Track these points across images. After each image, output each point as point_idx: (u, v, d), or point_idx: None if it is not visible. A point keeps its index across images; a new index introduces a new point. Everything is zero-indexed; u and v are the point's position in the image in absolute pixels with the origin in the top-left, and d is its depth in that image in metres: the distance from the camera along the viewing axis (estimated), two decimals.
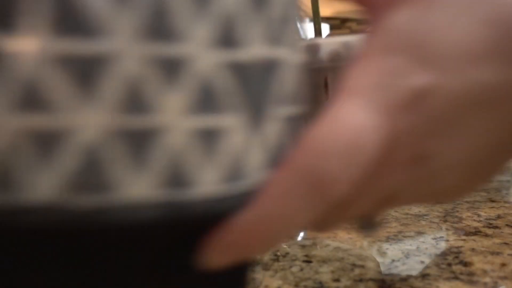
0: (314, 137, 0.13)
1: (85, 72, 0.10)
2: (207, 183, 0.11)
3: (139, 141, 0.10)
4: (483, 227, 0.34)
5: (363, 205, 0.16)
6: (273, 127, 0.13)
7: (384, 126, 0.14)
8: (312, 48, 0.22)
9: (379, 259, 0.28)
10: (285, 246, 0.30)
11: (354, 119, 0.13)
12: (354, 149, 0.13)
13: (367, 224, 0.20)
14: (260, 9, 0.12)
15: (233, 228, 0.12)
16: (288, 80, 0.13)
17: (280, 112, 0.13)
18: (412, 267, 0.27)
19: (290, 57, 0.13)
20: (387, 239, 0.31)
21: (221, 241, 0.13)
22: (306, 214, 0.13)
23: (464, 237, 0.32)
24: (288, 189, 0.13)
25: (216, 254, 0.13)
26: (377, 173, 0.15)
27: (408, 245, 0.30)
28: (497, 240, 0.31)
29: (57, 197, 0.10)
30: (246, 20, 0.12)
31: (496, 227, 0.34)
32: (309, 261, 0.28)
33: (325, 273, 0.26)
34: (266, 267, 0.27)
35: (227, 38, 0.11)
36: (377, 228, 0.20)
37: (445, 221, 0.36)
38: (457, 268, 0.27)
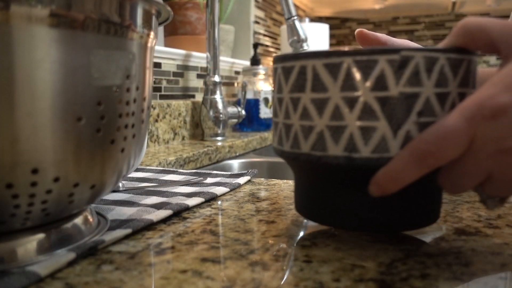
0: (426, 131, 0.25)
1: None
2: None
3: None
4: (483, 227, 0.34)
5: (470, 179, 0.26)
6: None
7: (465, 129, 0.24)
8: None
9: (379, 259, 0.28)
10: (284, 246, 0.30)
11: (448, 123, 0.25)
12: (444, 140, 0.25)
13: (489, 200, 0.28)
14: None
15: (379, 175, 0.27)
16: None
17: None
18: (412, 267, 0.27)
19: None
20: (387, 239, 0.31)
21: (375, 179, 0.27)
22: (414, 172, 0.26)
23: (464, 237, 0.32)
24: (406, 156, 0.26)
25: (373, 187, 0.27)
26: (467, 157, 0.25)
27: (408, 245, 0.30)
28: (497, 240, 0.31)
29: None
30: None
31: (496, 227, 0.34)
32: (309, 261, 0.28)
33: (325, 273, 0.26)
34: (266, 267, 0.27)
35: None
36: (495, 205, 0.28)
37: (445, 221, 0.36)
38: (457, 268, 0.27)
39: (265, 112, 1.28)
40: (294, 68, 0.29)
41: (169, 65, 1.07)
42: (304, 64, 0.28)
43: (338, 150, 0.27)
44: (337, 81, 0.27)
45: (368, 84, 0.26)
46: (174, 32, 1.20)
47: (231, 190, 0.48)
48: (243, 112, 1.13)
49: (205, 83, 1.07)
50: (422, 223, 0.30)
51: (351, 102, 0.27)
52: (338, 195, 0.29)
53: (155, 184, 0.50)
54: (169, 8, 0.33)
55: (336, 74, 0.27)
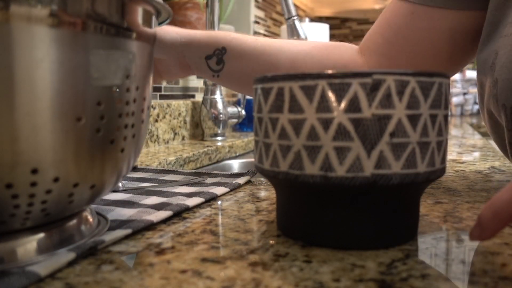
0: None
1: None
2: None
3: None
4: None
5: None
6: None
7: None
8: None
9: (379, 259, 0.28)
10: (284, 246, 0.30)
11: None
12: None
13: None
14: None
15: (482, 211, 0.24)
16: None
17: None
18: (412, 267, 0.27)
19: None
20: None
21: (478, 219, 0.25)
22: None
23: (464, 237, 0.32)
24: None
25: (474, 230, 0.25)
26: None
27: (408, 245, 0.30)
28: (497, 240, 0.31)
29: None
30: None
31: None
32: (309, 261, 0.28)
33: (325, 273, 0.26)
34: (266, 267, 0.27)
35: None
36: None
37: (445, 221, 0.36)
38: (457, 268, 0.27)
39: None
40: (272, 89, 0.30)
41: None
42: (281, 85, 0.29)
43: (314, 169, 0.28)
44: (312, 102, 0.28)
45: (342, 106, 0.27)
46: None
47: (231, 190, 0.48)
48: (243, 112, 1.13)
49: (205, 83, 1.07)
50: (398, 241, 0.30)
51: (326, 123, 0.27)
52: (315, 213, 0.30)
53: (155, 184, 0.50)
54: (169, 8, 0.33)
55: (311, 96, 0.28)
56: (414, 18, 0.50)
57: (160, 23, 0.37)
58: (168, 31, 0.53)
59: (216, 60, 0.53)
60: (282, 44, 0.56)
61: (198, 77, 1.19)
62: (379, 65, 0.54)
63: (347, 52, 0.57)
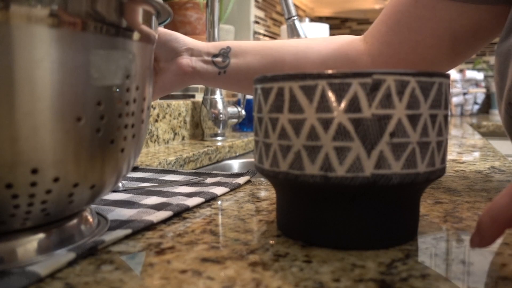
0: None
1: None
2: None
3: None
4: None
5: None
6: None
7: None
8: None
9: (379, 259, 0.28)
10: (284, 246, 0.30)
11: None
12: None
13: None
14: None
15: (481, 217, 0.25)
16: None
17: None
18: (412, 267, 0.27)
19: None
20: None
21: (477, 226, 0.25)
22: None
23: (464, 237, 0.32)
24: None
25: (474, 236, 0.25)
26: None
27: (408, 245, 0.30)
28: (497, 240, 0.31)
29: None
30: None
31: None
32: (309, 261, 0.28)
33: (325, 273, 0.26)
34: (266, 267, 0.27)
35: None
36: None
37: (445, 221, 0.36)
38: (457, 268, 0.27)
39: None
40: (272, 89, 0.30)
41: None
42: (281, 85, 0.29)
43: (314, 169, 0.28)
44: (312, 102, 0.28)
45: (342, 106, 0.27)
46: None
47: (231, 190, 0.48)
48: (243, 112, 1.13)
49: None
50: (398, 241, 0.30)
51: (326, 123, 0.28)
52: (315, 213, 0.30)
53: (155, 184, 0.50)
54: (169, 8, 0.33)
55: (311, 96, 0.28)
56: (418, 7, 0.51)
57: (160, 23, 0.37)
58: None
59: (222, 58, 0.57)
60: (283, 41, 0.60)
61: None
62: (380, 53, 0.55)
63: (349, 41, 0.58)
